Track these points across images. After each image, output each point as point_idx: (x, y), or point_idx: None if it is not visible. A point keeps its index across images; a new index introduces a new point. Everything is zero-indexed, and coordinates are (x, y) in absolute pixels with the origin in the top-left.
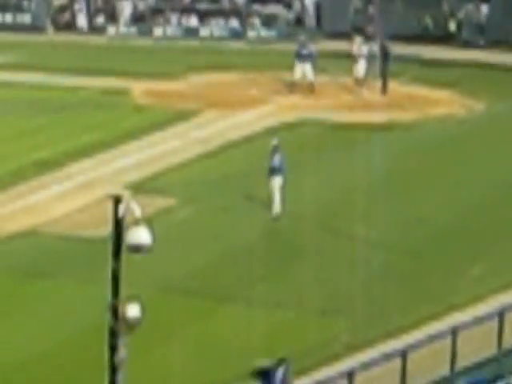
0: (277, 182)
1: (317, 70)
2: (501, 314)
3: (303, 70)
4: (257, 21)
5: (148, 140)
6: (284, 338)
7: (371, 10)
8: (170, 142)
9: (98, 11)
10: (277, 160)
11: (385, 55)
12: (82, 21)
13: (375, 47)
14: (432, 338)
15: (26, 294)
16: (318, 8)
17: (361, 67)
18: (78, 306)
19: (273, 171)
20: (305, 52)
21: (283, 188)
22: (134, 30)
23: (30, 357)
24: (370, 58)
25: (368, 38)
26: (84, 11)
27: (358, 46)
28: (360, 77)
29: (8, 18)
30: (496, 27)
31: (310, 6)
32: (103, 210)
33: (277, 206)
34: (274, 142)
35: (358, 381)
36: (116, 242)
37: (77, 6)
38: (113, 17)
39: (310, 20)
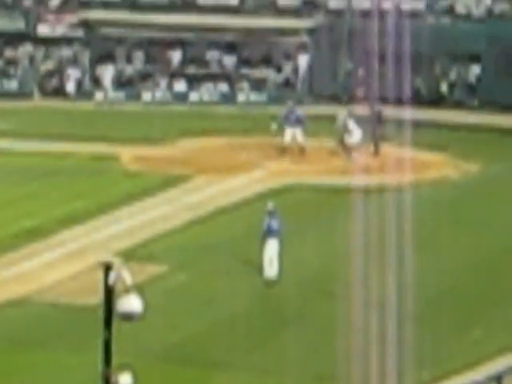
0: (273, 246)
1: (307, 133)
2: (499, 378)
3: (293, 135)
4: (246, 84)
5: (138, 206)
6: None
7: (361, 72)
8: (160, 208)
9: (85, 76)
10: (273, 224)
11: (377, 118)
12: (70, 86)
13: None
14: None
15: (18, 363)
16: (309, 70)
17: (353, 137)
18: (70, 374)
19: (268, 235)
20: (293, 117)
21: (280, 252)
22: (121, 94)
23: None
24: (361, 121)
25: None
26: (72, 76)
27: (344, 121)
28: (351, 144)
29: None
30: (488, 88)
31: (300, 69)
32: (94, 278)
33: (273, 270)
34: (270, 206)
35: None
36: (107, 310)
37: (65, 72)
38: (100, 82)
39: (300, 83)
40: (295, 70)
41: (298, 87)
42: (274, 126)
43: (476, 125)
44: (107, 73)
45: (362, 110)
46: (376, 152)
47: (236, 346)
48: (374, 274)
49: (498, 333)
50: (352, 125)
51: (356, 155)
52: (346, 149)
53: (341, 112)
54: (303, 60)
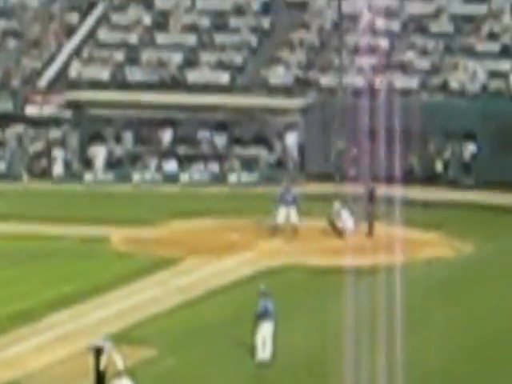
0: (267, 328)
1: (299, 212)
2: None
3: (287, 215)
4: (237, 164)
5: (129, 289)
6: None
7: (354, 151)
8: (151, 291)
9: (74, 158)
10: (266, 306)
11: (370, 197)
12: (58, 168)
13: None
14: None
15: None
16: (301, 150)
17: (346, 226)
18: None
19: (262, 317)
20: (289, 197)
21: (273, 334)
22: (111, 176)
23: None
24: (354, 200)
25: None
26: (60, 158)
27: (337, 213)
28: (345, 228)
29: None
30: (483, 166)
31: (292, 148)
32: (85, 362)
33: (267, 353)
34: (262, 287)
35: None
36: None
37: (53, 154)
38: (89, 163)
39: (293, 162)
40: (287, 149)
41: (290, 166)
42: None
43: (471, 203)
44: (97, 154)
45: (355, 188)
46: (370, 232)
47: None
48: (365, 354)
49: None
50: (345, 214)
51: (349, 236)
52: (339, 232)
53: (336, 203)
54: (293, 138)
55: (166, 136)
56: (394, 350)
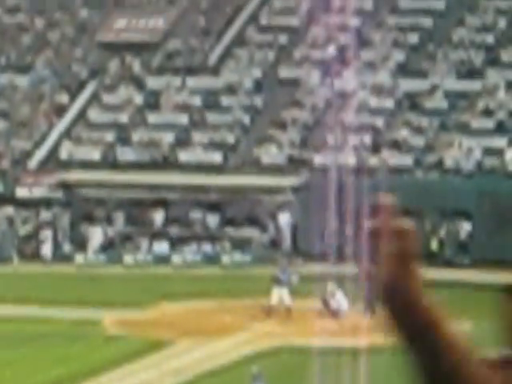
0: None
1: (293, 293)
2: None
3: (280, 295)
4: (230, 245)
5: (121, 371)
6: None
7: (349, 230)
8: (143, 374)
9: (64, 239)
10: None
11: (369, 277)
12: (47, 250)
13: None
14: None
15: None
16: (294, 229)
17: (340, 308)
18: None
19: None
20: (284, 277)
21: None
22: (102, 257)
23: None
24: (351, 280)
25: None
26: (50, 240)
27: (331, 293)
28: (339, 309)
29: None
30: (480, 245)
31: (285, 228)
32: None
33: None
34: (255, 369)
35: None
36: None
37: (42, 235)
38: (80, 244)
39: (286, 242)
40: (280, 229)
41: (284, 246)
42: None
43: (468, 283)
44: (92, 235)
45: (351, 268)
46: (371, 312)
47: None
48: None
49: None
50: (339, 294)
51: (343, 316)
52: (333, 313)
53: (330, 283)
54: (286, 218)
55: (158, 217)
56: None
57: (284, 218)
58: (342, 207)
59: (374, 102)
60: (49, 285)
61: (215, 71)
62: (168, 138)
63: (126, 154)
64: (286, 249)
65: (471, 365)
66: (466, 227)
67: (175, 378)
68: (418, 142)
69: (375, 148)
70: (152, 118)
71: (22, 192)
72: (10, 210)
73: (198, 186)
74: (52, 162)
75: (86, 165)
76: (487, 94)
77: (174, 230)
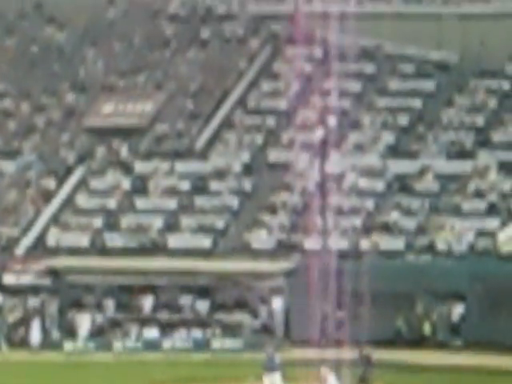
0: None
1: (286, 378)
2: None
3: (273, 381)
4: (221, 330)
5: None
6: None
7: (340, 314)
8: None
9: (53, 326)
10: None
11: (367, 362)
12: (35, 337)
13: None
14: None
15: None
16: (286, 314)
17: None
18: None
19: None
20: (273, 364)
21: None
22: (92, 344)
23: None
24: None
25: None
26: (38, 327)
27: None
28: None
29: None
30: (473, 327)
31: (277, 313)
32: None
33: None
34: None
35: None
36: None
37: (31, 322)
38: (69, 331)
39: (278, 327)
40: (272, 314)
41: (276, 332)
42: None
43: (461, 366)
44: (81, 322)
45: (343, 353)
46: None
47: None
48: None
49: None
50: (332, 379)
51: None
52: None
53: (323, 368)
54: (278, 303)
55: (147, 303)
56: None
57: (277, 303)
58: (332, 291)
59: (363, 184)
60: (38, 373)
61: (203, 155)
62: (156, 222)
63: (114, 240)
64: (278, 334)
65: None
66: (458, 309)
67: None
68: (409, 224)
69: (366, 231)
70: (140, 202)
71: (9, 279)
72: None
73: (187, 270)
74: (39, 248)
75: (74, 251)
76: (478, 175)
77: (164, 316)
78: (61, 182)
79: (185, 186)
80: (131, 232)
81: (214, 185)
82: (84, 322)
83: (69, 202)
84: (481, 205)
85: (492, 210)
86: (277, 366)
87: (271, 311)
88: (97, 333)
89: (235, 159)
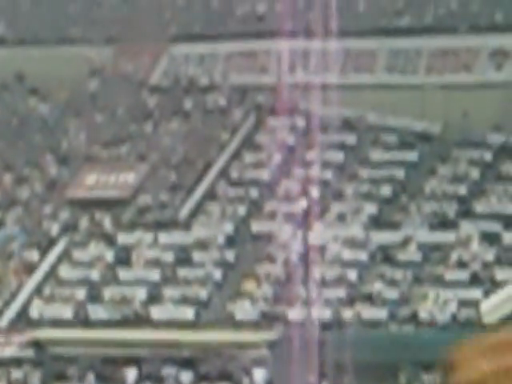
0: None
1: None
2: None
3: None
4: None
5: None
6: None
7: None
8: None
9: None
10: None
11: None
12: None
13: None
14: None
15: None
16: None
17: None
18: None
19: None
20: None
21: None
22: None
23: None
24: None
25: None
26: None
27: None
28: None
29: None
30: None
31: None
32: None
33: None
34: None
35: None
36: None
37: None
38: None
39: None
40: None
41: None
42: None
43: None
44: None
45: None
46: None
47: None
48: None
49: None
50: None
51: None
52: None
53: None
54: (260, 374)
55: (131, 374)
56: None
57: (259, 374)
58: (316, 361)
59: (346, 254)
60: None
61: (186, 226)
62: (140, 294)
63: (97, 312)
64: None
65: None
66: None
67: None
68: (392, 294)
69: (349, 301)
70: (123, 274)
71: None
72: None
73: (170, 342)
74: (22, 320)
75: (57, 323)
76: (461, 245)
77: None
78: (44, 253)
79: (168, 257)
80: (114, 304)
81: (197, 256)
82: None
83: (52, 273)
84: (463, 275)
85: (475, 279)
86: None
87: (254, 382)
88: None
89: (218, 230)
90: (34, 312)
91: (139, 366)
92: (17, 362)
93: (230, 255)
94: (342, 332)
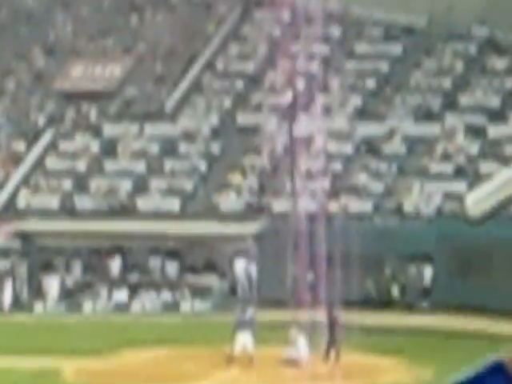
0: None
1: (255, 340)
2: None
3: (243, 342)
4: (190, 292)
5: None
6: None
7: (309, 276)
8: None
9: (23, 289)
10: None
11: (334, 324)
12: (6, 299)
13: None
14: None
15: None
16: (252, 276)
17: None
18: None
19: None
20: (244, 319)
21: None
22: (62, 306)
23: None
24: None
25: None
26: (8, 290)
27: (293, 341)
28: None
29: None
30: (441, 289)
31: (245, 275)
32: None
33: None
34: None
35: None
36: None
37: (1, 285)
38: (39, 294)
39: (245, 289)
40: (239, 275)
41: (244, 293)
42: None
43: (429, 328)
44: (51, 284)
45: (312, 315)
46: (336, 359)
47: None
48: None
49: None
50: (302, 341)
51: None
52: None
53: (292, 330)
54: (245, 265)
55: (117, 265)
56: None
57: (243, 265)
58: (302, 253)
59: (331, 147)
60: (8, 334)
61: (172, 118)
62: (126, 185)
63: (83, 203)
64: (244, 296)
65: None
66: (426, 272)
67: None
68: (377, 187)
69: (334, 194)
70: (109, 165)
71: None
72: None
73: (156, 233)
74: (10, 211)
75: (44, 213)
76: (446, 138)
77: (133, 278)
78: (30, 144)
79: (154, 148)
80: (100, 195)
81: (183, 147)
82: (54, 285)
83: (38, 164)
84: (448, 168)
85: (459, 172)
86: (249, 324)
87: (239, 273)
88: (67, 295)
89: (204, 122)
90: (21, 202)
91: (125, 256)
92: (4, 252)
93: (215, 147)
94: (327, 224)
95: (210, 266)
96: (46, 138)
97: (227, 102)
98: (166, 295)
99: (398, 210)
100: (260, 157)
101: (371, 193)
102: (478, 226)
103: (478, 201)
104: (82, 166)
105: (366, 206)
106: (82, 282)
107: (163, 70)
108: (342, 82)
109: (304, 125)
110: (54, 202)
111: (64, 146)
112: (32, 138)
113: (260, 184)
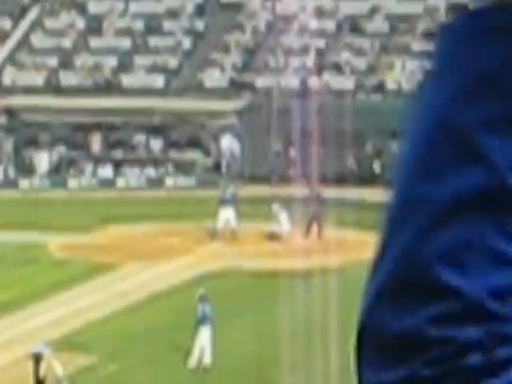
0: (205, 333)
1: (238, 215)
2: None
3: (226, 217)
4: (174, 168)
5: (67, 295)
6: None
7: (292, 152)
8: (89, 297)
9: (9, 164)
10: (204, 311)
11: (317, 200)
12: None
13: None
14: None
15: None
16: (237, 152)
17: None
18: None
19: (200, 322)
20: (227, 196)
21: (212, 338)
22: (47, 182)
23: None
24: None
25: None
26: None
27: (275, 215)
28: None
29: None
30: None
31: (228, 150)
32: (24, 369)
33: (207, 358)
34: (201, 291)
35: None
36: None
37: None
38: (25, 169)
39: (229, 164)
40: (222, 152)
41: (227, 169)
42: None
43: None
44: (38, 159)
45: (294, 191)
46: (319, 234)
47: None
48: (302, 358)
49: None
50: (283, 216)
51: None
52: (277, 235)
53: (274, 205)
54: (228, 141)
55: (101, 141)
56: (330, 354)
57: (227, 141)
58: (284, 129)
59: (314, 24)
60: None
61: None
62: (110, 62)
63: (68, 79)
64: (227, 171)
65: None
66: None
67: (122, 300)
68: (360, 64)
69: (317, 70)
70: (94, 42)
71: None
72: None
73: (140, 109)
74: None
75: (29, 89)
76: (428, 15)
77: (118, 154)
78: (16, 21)
79: (138, 25)
80: (85, 71)
81: (168, 24)
82: (39, 160)
83: (24, 41)
84: (430, 45)
85: None
86: (231, 201)
87: (222, 149)
88: (52, 171)
89: None
90: (7, 79)
91: (110, 132)
92: None
93: (199, 24)
94: (310, 100)
95: (194, 142)
96: (31, 16)
97: None
98: (151, 171)
99: (381, 87)
100: (243, 34)
101: (354, 70)
102: None
103: None
104: (67, 42)
105: (348, 83)
106: (68, 157)
107: None
108: None
109: (287, 2)
110: (39, 79)
111: (49, 23)
112: (17, 15)
113: (243, 60)
